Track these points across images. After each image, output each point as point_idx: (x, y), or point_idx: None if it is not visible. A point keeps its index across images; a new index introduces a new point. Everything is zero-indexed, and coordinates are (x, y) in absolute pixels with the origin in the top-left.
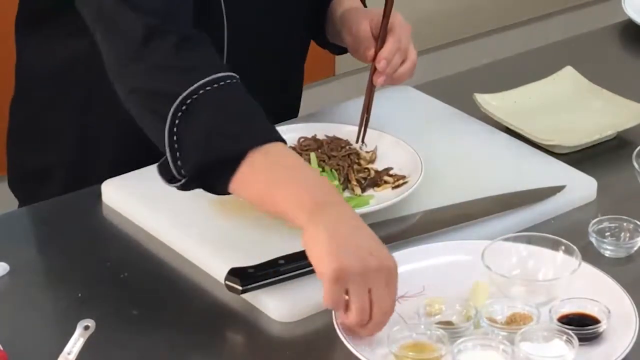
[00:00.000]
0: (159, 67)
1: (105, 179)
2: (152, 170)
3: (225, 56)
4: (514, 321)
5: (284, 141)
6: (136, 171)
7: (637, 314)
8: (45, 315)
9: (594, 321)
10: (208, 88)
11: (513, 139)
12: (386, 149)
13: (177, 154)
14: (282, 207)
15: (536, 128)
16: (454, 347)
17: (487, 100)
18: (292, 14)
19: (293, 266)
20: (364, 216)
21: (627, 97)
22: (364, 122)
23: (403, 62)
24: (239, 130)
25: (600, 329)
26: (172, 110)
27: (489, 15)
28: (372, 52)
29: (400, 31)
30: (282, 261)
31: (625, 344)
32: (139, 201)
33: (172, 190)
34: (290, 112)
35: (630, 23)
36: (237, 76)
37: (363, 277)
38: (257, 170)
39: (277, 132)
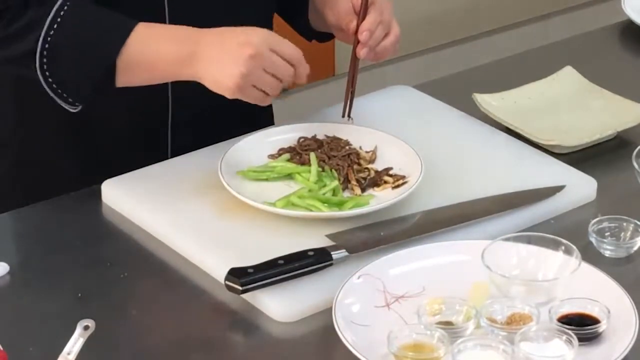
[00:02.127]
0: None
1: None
2: (152, 170)
3: None
4: (514, 321)
5: (134, 22)
6: (136, 171)
7: (637, 314)
8: (45, 315)
9: (594, 321)
10: (54, 26)
11: (513, 139)
12: (386, 149)
13: (64, 95)
14: (171, 70)
15: (536, 128)
16: (454, 347)
17: (487, 100)
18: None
19: (293, 266)
20: (364, 216)
21: (627, 97)
22: (350, 95)
23: (386, 35)
24: (97, 42)
25: (600, 329)
26: (37, 67)
27: (489, 15)
28: (354, 24)
29: (382, 4)
30: (282, 261)
31: (625, 344)
32: (139, 201)
33: (172, 190)
34: (263, 117)
35: (630, 23)
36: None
37: (256, 71)
38: (130, 68)
39: (127, 21)
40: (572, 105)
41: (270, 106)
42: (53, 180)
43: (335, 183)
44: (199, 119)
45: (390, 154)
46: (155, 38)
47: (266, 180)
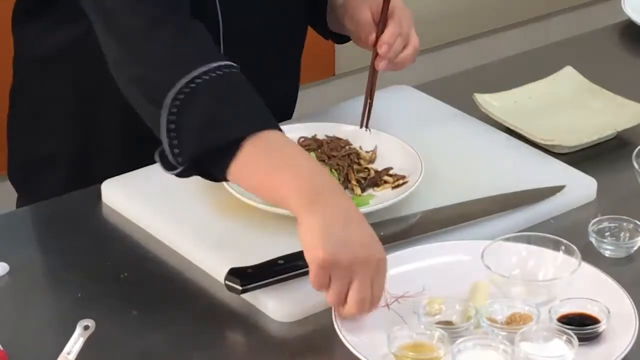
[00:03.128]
0: (158, 57)
1: (109, 173)
2: (152, 170)
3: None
4: (514, 321)
5: (281, 130)
6: (136, 171)
7: (637, 314)
8: (45, 315)
9: (594, 321)
10: (205, 77)
11: (513, 139)
12: (386, 149)
13: (175, 141)
14: (281, 193)
15: (536, 128)
16: (454, 347)
17: (487, 100)
18: (289, 13)
19: (293, 266)
20: (365, 216)
21: (627, 97)
22: (368, 107)
23: (405, 47)
24: (236, 117)
25: (600, 329)
26: (169, 99)
27: (489, 15)
28: (373, 36)
29: (401, 15)
30: (281, 261)
31: (625, 344)
32: (139, 201)
33: (172, 190)
34: (283, 113)
35: (630, 23)
36: (236, 65)
37: (348, 268)
38: (255, 157)
39: (274, 120)
40: (572, 105)
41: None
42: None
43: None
44: None
45: (390, 154)
46: (286, 146)
47: None
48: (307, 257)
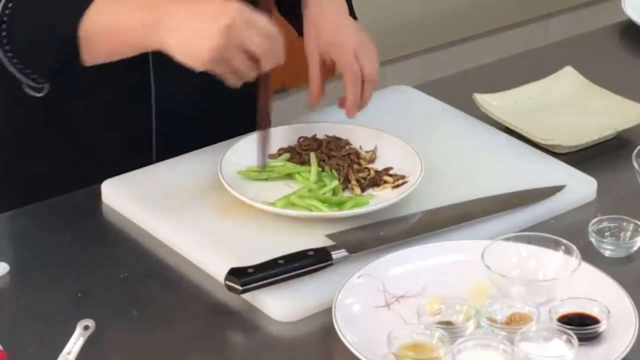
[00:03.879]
0: None
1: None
2: (152, 170)
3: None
4: (514, 321)
5: None
6: (136, 171)
7: (637, 314)
8: (45, 315)
9: (594, 321)
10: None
11: (513, 139)
12: (386, 149)
13: (26, 71)
14: (135, 46)
15: (536, 128)
16: (454, 347)
17: (487, 100)
18: None
19: (293, 266)
20: (364, 216)
21: (627, 97)
22: (263, 141)
23: (363, 83)
24: (58, 14)
25: (600, 329)
26: None
27: (489, 15)
28: (316, 90)
29: (350, 67)
30: (282, 261)
31: (625, 344)
32: (139, 201)
33: (172, 190)
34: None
35: (630, 23)
36: None
37: (232, 44)
38: (95, 38)
39: None
40: (572, 105)
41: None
42: (43, 181)
43: (335, 183)
44: (183, 128)
45: (390, 154)
46: (119, 4)
47: (266, 180)
48: (195, 65)
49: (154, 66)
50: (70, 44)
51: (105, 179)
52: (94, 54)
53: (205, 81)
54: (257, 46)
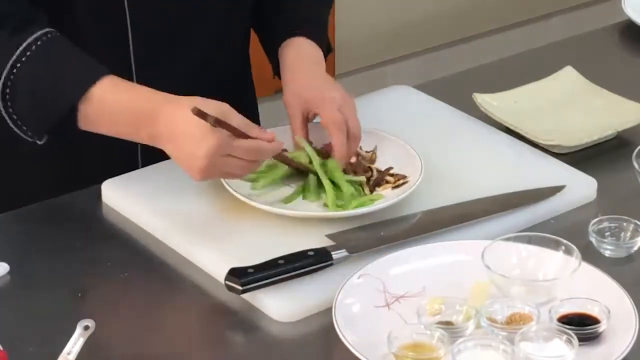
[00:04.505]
0: None
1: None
2: (152, 170)
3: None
4: (514, 321)
5: (105, 72)
6: (136, 171)
7: (637, 314)
8: (45, 315)
9: (594, 321)
10: (23, 59)
11: (513, 139)
12: (386, 149)
13: (24, 128)
14: (130, 138)
15: (536, 128)
16: (454, 347)
17: (487, 100)
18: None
19: (293, 266)
20: (364, 216)
21: (627, 97)
22: None
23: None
24: (60, 86)
25: (600, 329)
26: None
27: (489, 15)
28: (297, 131)
29: (334, 119)
30: (282, 261)
31: (625, 344)
32: (139, 201)
33: (172, 190)
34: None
35: (630, 23)
36: (51, 29)
37: (218, 159)
38: (91, 118)
39: (94, 69)
40: (572, 105)
41: (256, 109)
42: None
43: (362, 178)
44: None
45: (390, 154)
46: (114, 101)
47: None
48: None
49: (136, 72)
50: (68, 118)
51: (89, 181)
52: (91, 129)
53: (191, 83)
54: (239, 169)
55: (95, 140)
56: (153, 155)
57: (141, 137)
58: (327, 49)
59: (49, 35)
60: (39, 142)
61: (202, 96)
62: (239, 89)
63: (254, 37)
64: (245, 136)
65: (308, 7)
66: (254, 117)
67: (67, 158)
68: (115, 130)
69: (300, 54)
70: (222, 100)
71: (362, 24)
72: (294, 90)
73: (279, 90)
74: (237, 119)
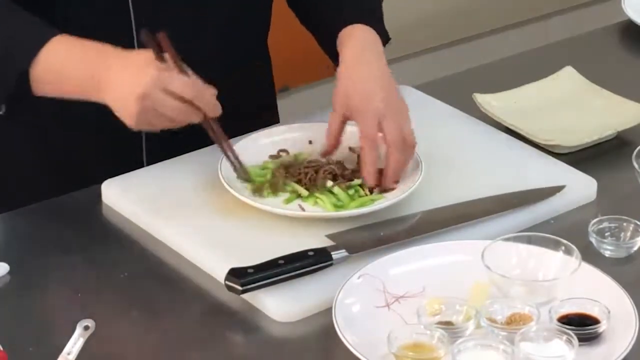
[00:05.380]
0: None
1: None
2: (152, 170)
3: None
4: (514, 321)
5: (54, 33)
6: (136, 171)
7: (637, 314)
8: (45, 315)
9: (594, 321)
10: None
11: (513, 139)
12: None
13: None
14: (78, 95)
15: (536, 128)
16: (454, 347)
17: (487, 100)
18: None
19: (293, 266)
20: (364, 216)
21: (627, 97)
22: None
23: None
24: (10, 51)
25: (600, 329)
26: None
27: (489, 15)
28: (331, 145)
29: (366, 133)
30: (282, 261)
31: (625, 344)
32: (139, 201)
33: (172, 190)
34: (266, 114)
35: (630, 23)
36: None
37: (156, 92)
38: (41, 80)
39: (43, 32)
40: (572, 105)
41: (275, 105)
42: (29, 186)
43: (359, 181)
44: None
45: None
46: (65, 55)
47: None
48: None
49: None
50: (21, 82)
51: (96, 180)
52: (43, 91)
53: (204, 72)
54: (172, 110)
55: (100, 140)
56: (158, 155)
57: (87, 88)
58: (386, 39)
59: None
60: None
61: (216, 87)
62: (256, 80)
63: (274, 28)
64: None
65: None
66: (271, 109)
67: (70, 157)
68: (63, 87)
69: (360, 46)
70: (239, 92)
71: None
72: (343, 90)
73: (280, 90)
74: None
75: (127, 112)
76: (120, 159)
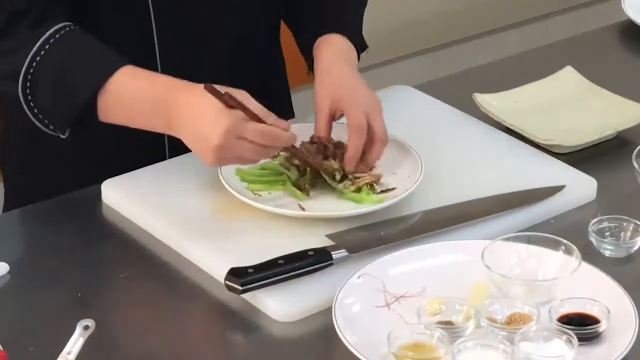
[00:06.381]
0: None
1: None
2: (152, 170)
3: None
4: (514, 321)
5: (122, 62)
6: (136, 171)
7: (637, 314)
8: (45, 315)
9: (594, 321)
10: (42, 52)
11: (513, 139)
12: (386, 149)
13: (45, 121)
14: (147, 127)
15: (536, 128)
16: (454, 347)
17: (487, 100)
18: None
19: (293, 266)
20: (364, 216)
21: (627, 97)
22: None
23: (372, 143)
24: (79, 78)
25: (600, 329)
26: (20, 89)
27: (489, 15)
28: (319, 126)
29: (356, 120)
30: (282, 261)
31: (625, 344)
32: (139, 201)
33: (172, 190)
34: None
35: (630, 23)
36: (70, 23)
37: (232, 140)
38: (109, 109)
39: (112, 60)
40: (572, 105)
41: (289, 99)
42: (53, 182)
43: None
44: None
45: (390, 154)
46: (133, 89)
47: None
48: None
49: (162, 67)
50: (87, 109)
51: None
52: (108, 119)
53: (220, 75)
54: (248, 152)
55: (124, 135)
56: (180, 150)
57: (157, 124)
58: (362, 47)
59: (68, 28)
60: (62, 136)
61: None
62: (271, 80)
63: (286, 28)
64: (259, 120)
65: (344, 4)
66: (286, 108)
67: (94, 152)
68: (133, 120)
69: (335, 51)
70: (254, 91)
71: (363, 25)
72: (326, 87)
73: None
74: (253, 104)
75: (204, 159)
76: (143, 153)
